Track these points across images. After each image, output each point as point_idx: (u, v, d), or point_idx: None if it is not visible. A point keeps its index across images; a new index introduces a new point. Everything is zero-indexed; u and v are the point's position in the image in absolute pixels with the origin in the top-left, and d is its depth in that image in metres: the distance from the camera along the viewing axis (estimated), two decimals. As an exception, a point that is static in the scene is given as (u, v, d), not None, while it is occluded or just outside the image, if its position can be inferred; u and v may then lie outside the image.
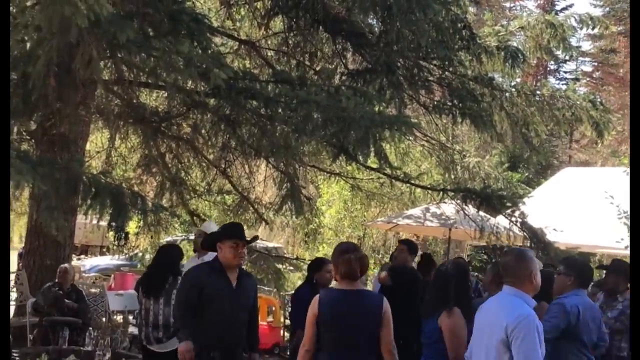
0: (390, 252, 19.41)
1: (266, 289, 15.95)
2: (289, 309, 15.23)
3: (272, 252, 15.22)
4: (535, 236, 10.69)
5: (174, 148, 11.20)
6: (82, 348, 7.91)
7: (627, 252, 14.94)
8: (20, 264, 11.89)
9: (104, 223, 9.44)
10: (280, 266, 13.94)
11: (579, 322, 5.88)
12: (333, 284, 5.69)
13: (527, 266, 4.53)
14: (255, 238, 6.93)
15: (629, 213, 12.95)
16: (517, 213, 10.82)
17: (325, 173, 12.95)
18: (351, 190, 17.43)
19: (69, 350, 7.60)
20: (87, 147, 11.66)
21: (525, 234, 10.93)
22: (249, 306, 6.09)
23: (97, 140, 13.21)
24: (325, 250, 20.85)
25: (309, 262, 8.84)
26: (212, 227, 8.64)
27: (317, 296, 5.39)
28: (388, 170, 10.99)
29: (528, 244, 10.85)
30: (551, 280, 6.18)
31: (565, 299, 5.98)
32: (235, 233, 6.07)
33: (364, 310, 5.26)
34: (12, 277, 11.57)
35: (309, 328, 5.29)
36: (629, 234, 13.04)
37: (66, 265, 10.11)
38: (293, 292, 16.13)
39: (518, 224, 10.90)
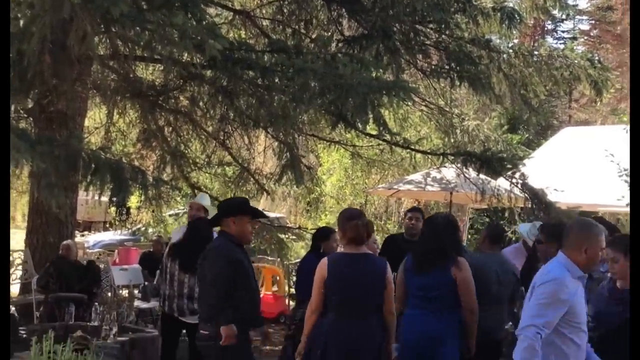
0: (400, 219, 19.41)
1: (270, 259, 16.02)
2: (294, 278, 15.35)
3: (275, 222, 15.23)
4: (536, 197, 10.70)
5: (172, 121, 11.18)
6: (88, 323, 7.96)
7: (628, 209, 14.98)
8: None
9: (105, 199, 9.42)
10: (283, 236, 13.97)
11: None
12: (339, 248, 5.72)
13: (586, 236, 4.47)
14: (263, 215, 6.89)
15: (629, 171, 12.99)
16: (517, 174, 10.81)
17: (324, 141, 12.93)
18: (351, 158, 17.42)
19: (76, 325, 7.64)
20: (86, 123, 11.64)
21: (526, 195, 10.93)
22: None
23: (95, 116, 13.18)
24: (328, 219, 20.89)
25: (314, 231, 8.84)
26: (206, 199, 8.66)
27: (324, 259, 5.49)
28: (387, 137, 10.96)
29: (529, 205, 10.86)
30: None
31: (550, 264, 6.04)
32: (259, 212, 6.13)
33: (370, 273, 5.43)
34: (17, 254, 11.63)
35: (317, 291, 5.39)
36: (629, 191, 13.09)
37: (69, 241, 10.14)
38: (298, 261, 16.24)
39: (519, 186, 10.89)
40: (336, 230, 6.24)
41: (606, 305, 5.01)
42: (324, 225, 17.54)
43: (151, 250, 13.47)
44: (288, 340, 8.11)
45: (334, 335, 5.35)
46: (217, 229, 6.21)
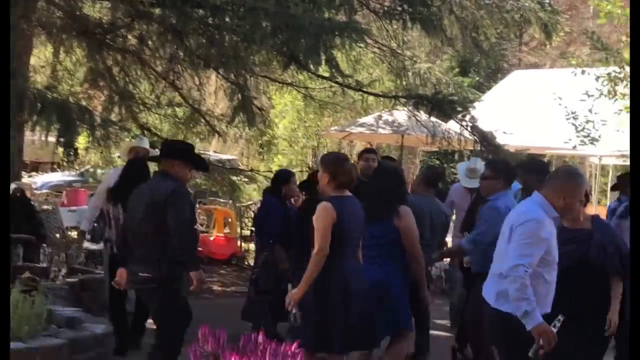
0: (352, 161, 19.48)
1: (221, 200, 15.99)
2: (245, 220, 15.37)
3: (227, 164, 15.18)
4: (486, 140, 10.81)
5: (120, 61, 10.97)
6: (37, 265, 7.89)
7: (575, 152, 15.26)
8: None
9: (53, 139, 9.25)
10: (235, 178, 13.92)
11: None
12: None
13: (569, 186, 4.56)
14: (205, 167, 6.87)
15: (577, 114, 13.18)
16: (467, 117, 10.89)
17: (276, 83, 12.81)
18: (304, 100, 17.30)
19: (24, 267, 7.57)
20: (31, 62, 11.35)
21: (475, 137, 11.03)
22: None
23: (40, 54, 12.85)
24: (280, 162, 20.88)
25: (274, 174, 8.80)
26: (145, 142, 8.52)
27: (327, 204, 5.36)
28: (340, 79, 10.93)
29: (478, 148, 10.97)
30: None
31: (496, 201, 6.18)
32: (202, 163, 6.18)
33: (362, 216, 5.55)
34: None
35: (327, 234, 5.28)
36: (576, 134, 13.29)
37: (18, 182, 9.96)
38: (250, 203, 16.24)
39: (469, 129, 10.99)
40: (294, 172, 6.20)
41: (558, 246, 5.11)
42: (276, 167, 17.55)
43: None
44: (252, 284, 8.13)
45: (354, 274, 5.37)
46: None
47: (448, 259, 8.07)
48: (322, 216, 5.32)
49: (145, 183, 5.85)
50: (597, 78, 12.77)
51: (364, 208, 5.71)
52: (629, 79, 12.44)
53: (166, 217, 5.40)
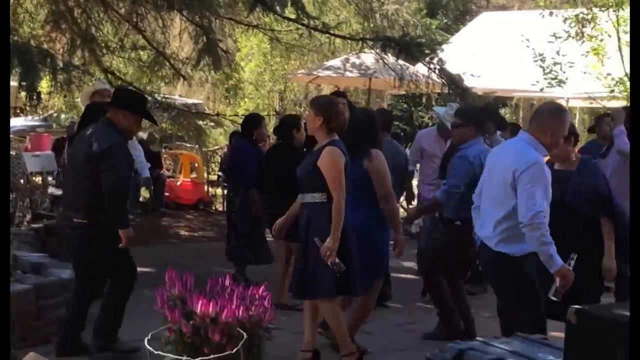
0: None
1: (188, 145, 15.89)
2: (212, 166, 15.30)
3: (192, 108, 15.02)
4: (453, 82, 10.76)
5: (82, 3, 10.69)
6: None
7: (542, 94, 15.30)
8: None
9: (14, 83, 9.05)
10: (201, 122, 13.80)
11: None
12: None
13: (554, 122, 4.69)
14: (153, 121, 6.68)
15: (544, 56, 13.17)
16: (435, 60, 10.82)
17: (242, 25, 12.61)
18: (270, 43, 17.12)
19: (-13, 213, 7.47)
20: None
21: (443, 80, 10.98)
22: None
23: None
24: (247, 105, 20.73)
25: (244, 118, 8.70)
26: (105, 85, 8.39)
27: (337, 149, 5.30)
28: (306, 21, 10.78)
29: (446, 91, 10.95)
30: None
31: (466, 150, 6.20)
32: (151, 117, 6.05)
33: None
34: None
35: (343, 178, 5.26)
36: (544, 76, 13.30)
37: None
38: (217, 148, 16.14)
39: (436, 71, 10.93)
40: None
41: None
42: (243, 112, 17.42)
43: (64, 136, 13.17)
44: (231, 229, 8.09)
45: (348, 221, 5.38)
46: None
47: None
48: (337, 161, 5.26)
49: (90, 128, 5.61)
50: (565, 20, 12.76)
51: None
52: (596, 21, 12.46)
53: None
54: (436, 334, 6.42)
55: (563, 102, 16.42)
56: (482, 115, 6.83)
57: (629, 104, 8.78)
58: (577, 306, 3.07)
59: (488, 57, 16.05)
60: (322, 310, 5.46)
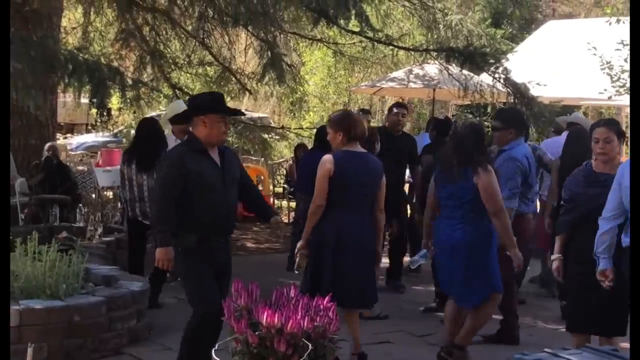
0: (383, 116, 19.43)
1: (253, 158, 16.05)
2: (277, 178, 15.43)
3: (258, 122, 15.18)
4: (519, 91, 10.67)
5: (150, 20, 10.96)
6: (73, 224, 8.01)
7: (610, 102, 15.02)
8: None
9: (86, 100, 9.33)
10: (266, 136, 13.95)
11: (530, 169, 6.55)
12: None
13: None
14: (239, 112, 6.02)
15: (612, 64, 12.95)
16: (500, 69, 10.75)
17: (306, 40, 12.74)
18: (334, 56, 17.24)
19: (61, 227, 7.69)
20: (63, 23, 11.40)
21: (508, 90, 10.90)
22: (237, 182, 5.23)
23: (72, 15, 12.90)
24: (312, 118, 20.84)
25: (317, 130, 8.70)
26: (182, 106, 8.52)
27: (329, 156, 5.52)
28: (370, 33, 10.84)
29: (512, 100, 10.85)
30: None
31: (512, 151, 6.34)
32: (221, 105, 5.19)
33: (372, 171, 5.65)
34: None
35: (324, 185, 5.47)
36: (611, 84, 13.07)
37: (52, 143, 10.06)
38: (282, 161, 16.26)
39: (501, 81, 10.85)
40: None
41: (583, 188, 5.09)
42: (307, 125, 17.52)
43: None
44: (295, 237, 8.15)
45: (347, 228, 5.49)
46: None
47: None
48: (319, 168, 5.50)
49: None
50: (633, 27, 12.52)
51: (443, 167, 5.76)
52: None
53: None
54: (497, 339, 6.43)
55: (632, 110, 16.12)
56: (522, 117, 6.99)
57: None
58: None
59: (554, 65, 15.83)
60: None
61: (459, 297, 5.81)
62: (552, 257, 5.32)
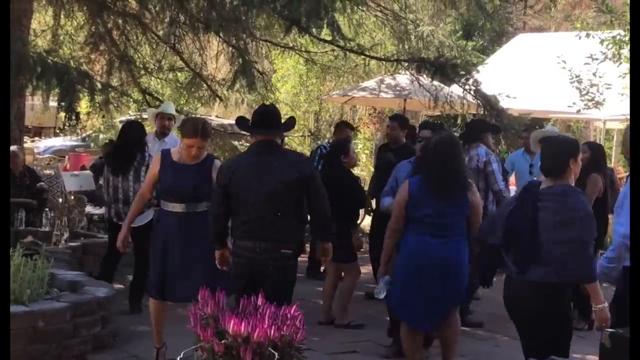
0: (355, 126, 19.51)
1: (224, 165, 15.94)
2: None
3: (228, 129, 15.11)
4: (489, 103, 10.76)
5: (121, 25, 10.88)
6: (39, 229, 7.90)
7: (579, 116, 15.18)
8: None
9: (54, 104, 9.23)
10: (236, 143, 13.89)
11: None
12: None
13: None
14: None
15: (581, 77, 13.09)
16: (470, 81, 10.84)
17: (278, 47, 12.72)
18: (306, 65, 17.22)
19: (26, 231, 7.59)
20: (33, 25, 11.26)
21: (478, 101, 10.98)
22: None
23: (42, 18, 12.77)
24: (282, 126, 20.77)
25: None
26: (170, 108, 8.61)
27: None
28: (342, 43, 10.86)
29: (481, 112, 10.92)
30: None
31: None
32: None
33: None
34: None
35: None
36: (580, 98, 13.21)
37: (14, 147, 9.90)
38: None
39: (472, 92, 10.93)
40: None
41: None
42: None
43: (101, 157, 13.32)
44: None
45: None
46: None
47: None
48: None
49: (271, 155, 5.24)
50: (602, 41, 12.67)
51: (432, 183, 5.61)
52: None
53: None
54: None
55: (600, 124, 16.32)
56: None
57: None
58: (610, 330, 3.05)
59: (524, 78, 15.98)
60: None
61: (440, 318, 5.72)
62: None
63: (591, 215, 4.50)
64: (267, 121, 5.26)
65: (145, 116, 11.57)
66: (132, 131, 7.51)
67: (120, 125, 15.80)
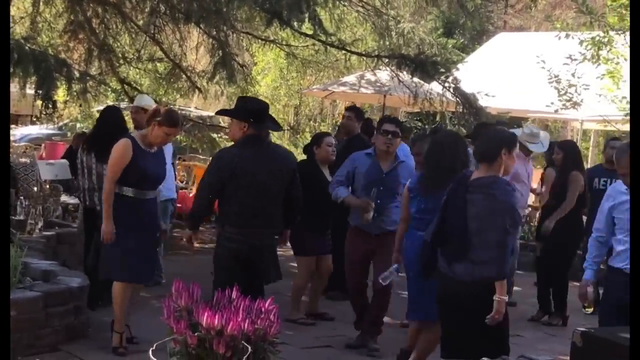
0: (334, 121, 19.47)
1: (201, 157, 15.92)
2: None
3: (207, 121, 15.07)
4: (468, 101, 10.79)
5: (100, 13, 10.79)
6: (13, 217, 7.82)
7: (556, 116, 15.26)
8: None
9: (31, 91, 9.15)
10: (215, 135, 13.86)
11: None
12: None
13: None
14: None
15: (559, 77, 13.15)
16: (450, 79, 10.86)
17: (259, 40, 12.69)
18: (286, 58, 17.20)
19: None
20: (11, 12, 11.14)
21: (457, 99, 11.01)
22: None
23: (20, 4, 12.64)
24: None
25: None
26: (146, 100, 8.44)
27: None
28: (323, 37, 10.85)
29: (460, 109, 10.95)
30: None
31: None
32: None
33: None
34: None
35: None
36: (558, 98, 13.28)
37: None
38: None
39: (451, 90, 10.96)
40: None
41: None
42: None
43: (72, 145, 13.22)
44: None
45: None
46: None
47: None
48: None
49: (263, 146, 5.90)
50: (581, 42, 12.74)
51: (424, 179, 5.72)
52: (612, 44, 12.44)
53: None
54: None
55: (577, 124, 16.41)
56: None
57: None
58: (582, 329, 3.08)
59: (503, 77, 16.03)
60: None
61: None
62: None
63: (514, 208, 4.56)
64: (271, 117, 6.04)
65: (124, 106, 11.49)
66: (113, 115, 7.43)
67: (97, 115, 15.72)
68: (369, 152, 6.78)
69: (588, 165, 19.43)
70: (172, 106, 11.44)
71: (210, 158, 14.72)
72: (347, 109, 9.21)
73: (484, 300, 4.50)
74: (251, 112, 5.80)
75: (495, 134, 4.91)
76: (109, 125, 7.22)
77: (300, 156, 8.94)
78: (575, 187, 7.89)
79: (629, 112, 12.37)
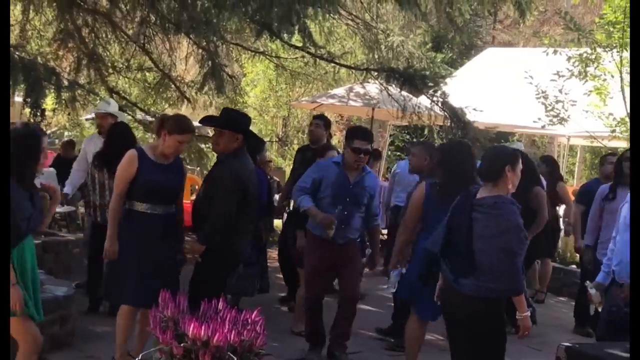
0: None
1: (189, 168, 15.91)
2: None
3: (195, 131, 15.03)
4: (456, 116, 10.83)
5: (90, 22, 10.79)
6: None
7: (544, 131, 15.34)
8: None
9: (20, 99, 9.12)
10: (203, 146, 13.82)
11: None
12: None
13: None
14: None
15: (547, 93, 13.24)
16: (438, 93, 10.90)
17: (249, 51, 12.71)
18: (275, 70, 17.24)
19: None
20: None
21: (445, 113, 11.05)
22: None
23: (10, 12, 12.60)
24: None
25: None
26: (112, 106, 8.34)
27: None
28: (312, 49, 10.88)
29: (448, 124, 11.00)
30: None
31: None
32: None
33: None
34: None
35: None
36: (545, 114, 13.36)
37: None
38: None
39: (439, 104, 11.00)
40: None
41: None
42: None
43: (60, 153, 13.19)
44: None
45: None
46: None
47: None
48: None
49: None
50: (569, 59, 12.82)
51: (441, 187, 5.78)
52: (599, 61, 12.54)
53: None
54: None
55: (564, 140, 16.51)
56: None
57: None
58: (566, 344, 3.09)
59: (491, 92, 16.12)
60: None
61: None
62: None
63: (520, 227, 4.55)
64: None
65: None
66: (127, 133, 7.47)
67: (85, 123, 15.62)
68: (337, 160, 6.71)
69: (575, 180, 19.55)
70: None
71: (198, 168, 14.82)
72: (316, 117, 9.20)
73: (485, 318, 4.56)
74: (244, 124, 5.91)
75: (497, 152, 4.88)
76: (122, 142, 7.13)
77: (289, 167, 9.00)
78: (568, 198, 8.03)
79: (615, 128, 12.49)
